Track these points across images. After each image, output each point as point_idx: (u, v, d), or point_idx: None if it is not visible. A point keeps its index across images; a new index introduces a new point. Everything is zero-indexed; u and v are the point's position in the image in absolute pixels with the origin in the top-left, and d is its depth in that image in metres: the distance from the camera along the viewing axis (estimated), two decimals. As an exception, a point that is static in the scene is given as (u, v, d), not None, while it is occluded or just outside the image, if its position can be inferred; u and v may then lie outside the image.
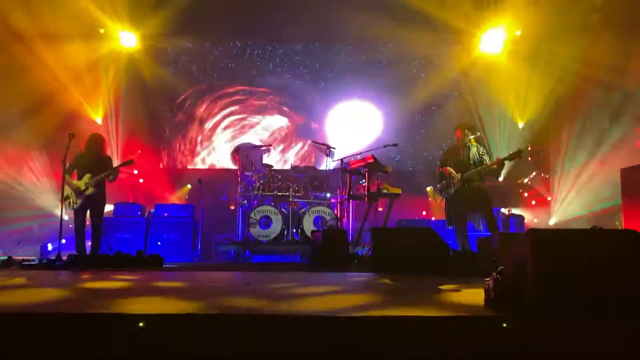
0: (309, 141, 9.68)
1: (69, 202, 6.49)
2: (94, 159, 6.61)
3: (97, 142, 6.76)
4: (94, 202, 6.58)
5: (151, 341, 2.07)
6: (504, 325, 2.05)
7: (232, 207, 8.69)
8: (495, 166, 6.07)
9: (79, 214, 6.54)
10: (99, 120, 9.80)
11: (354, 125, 10.40)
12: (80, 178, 6.55)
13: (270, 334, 2.07)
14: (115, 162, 7.66)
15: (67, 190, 6.48)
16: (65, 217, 6.38)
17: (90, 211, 6.60)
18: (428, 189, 9.75)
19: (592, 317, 2.11)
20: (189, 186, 9.99)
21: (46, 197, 9.19)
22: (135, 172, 9.93)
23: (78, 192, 6.47)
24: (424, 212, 9.83)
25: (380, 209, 7.16)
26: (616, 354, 2.00)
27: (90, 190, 6.47)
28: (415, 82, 10.24)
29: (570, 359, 2.00)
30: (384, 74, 10.31)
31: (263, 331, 2.07)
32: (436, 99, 10.31)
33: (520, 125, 9.83)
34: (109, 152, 7.51)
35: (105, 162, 6.69)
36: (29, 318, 2.16)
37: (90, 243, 6.64)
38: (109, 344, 2.06)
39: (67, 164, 6.38)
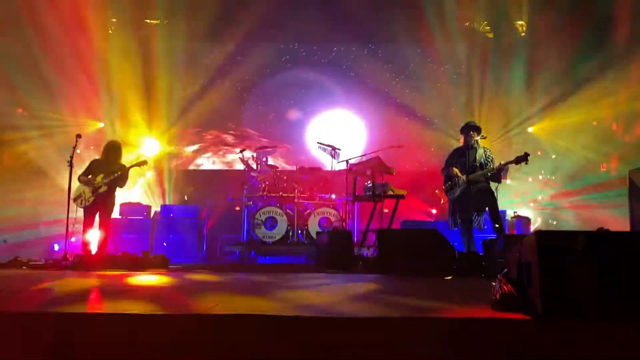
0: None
1: (81, 200, 6.55)
2: (109, 165, 6.69)
3: (115, 149, 6.84)
4: (104, 203, 6.64)
5: (155, 341, 2.07)
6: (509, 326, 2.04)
7: (237, 208, 8.71)
8: (497, 169, 6.07)
9: (89, 212, 6.60)
10: (101, 124, 9.87)
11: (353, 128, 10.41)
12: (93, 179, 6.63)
13: (275, 335, 2.07)
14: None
15: (80, 189, 6.56)
16: (72, 215, 6.42)
17: (99, 212, 6.65)
18: (437, 191, 9.73)
19: (598, 319, 2.10)
20: (192, 188, 10.01)
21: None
22: (149, 174, 9.99)
23: (91, 189, 6.53)
24: (434, 211, 9.81)
25: (385, 210, 7.15)
26: (622, 355, 1.99)
27: (103, 188, 6.53)
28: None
29: (576, 361, 1.99)
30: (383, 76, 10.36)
31: (267, 332, 2.08)
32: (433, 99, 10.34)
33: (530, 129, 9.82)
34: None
35: (119, 168, 6.73)
36: (33, 317, 2.17)
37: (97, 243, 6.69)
38: (112, 344, 2.07)
39: (74, 164, 6.43)
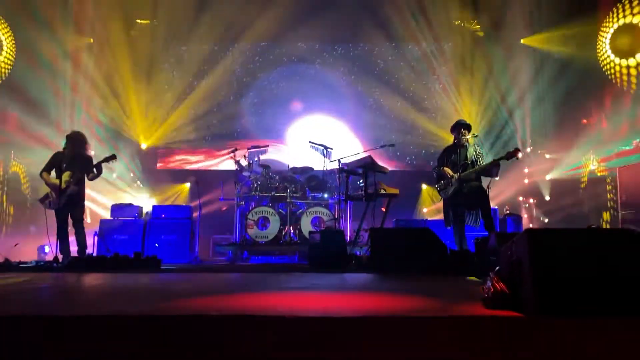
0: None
1: (49, 202, 6.23)
2: (74, 158, 6.34)
3: (78, 140, 6.46)
4: (74, 200, 6.30)
5: (151, 343, 2.06)
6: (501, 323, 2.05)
7: (224, 209, 8.68)
8: (489, 166, 6.09)
9: (60, 214, 6.24)
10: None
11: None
12: (59, 177, 6.18)
13: (269, 335, 2.06)
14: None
15: (46, 189, 6.26)
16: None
17: (70, 209, 6.30)
18: (426, 187, 9.78)
19: (589, 316, 2.11)
20: (188, 185, 9.99)
21: None
22: (131, 175, 9.93)
23: (58, 191, 6.12)
24: (425, 210, 9.84)
25: (383, 209, 7.16)
26: (614, 352, 2.00)
27: (71, 188, 6.20)
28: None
29: (569, 358, 1.99)
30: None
31: (261, 332, 2.07)
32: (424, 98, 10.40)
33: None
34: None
35: (85, 160, 6.41)
36: (28, 320, 2.15)
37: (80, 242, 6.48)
38: (109, 346, 2.05)
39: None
